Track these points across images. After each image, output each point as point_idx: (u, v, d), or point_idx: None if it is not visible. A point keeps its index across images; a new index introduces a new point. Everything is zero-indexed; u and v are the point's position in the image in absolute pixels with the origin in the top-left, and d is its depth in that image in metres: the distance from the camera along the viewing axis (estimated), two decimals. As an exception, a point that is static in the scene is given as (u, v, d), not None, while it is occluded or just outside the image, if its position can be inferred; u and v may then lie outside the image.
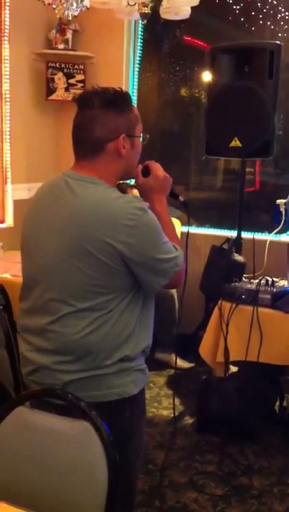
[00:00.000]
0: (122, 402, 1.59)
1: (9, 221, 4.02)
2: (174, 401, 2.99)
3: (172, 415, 3.18)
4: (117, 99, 1.64)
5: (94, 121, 1.61)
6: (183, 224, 3.88)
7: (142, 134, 1.72)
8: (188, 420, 3.24)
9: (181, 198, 1.90)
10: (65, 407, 1.39)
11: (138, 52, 4.31)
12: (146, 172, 1.75)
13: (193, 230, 4.21)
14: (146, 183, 1.74)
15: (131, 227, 1.53)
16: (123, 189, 1.83)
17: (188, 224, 2.01)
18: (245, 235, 3.52)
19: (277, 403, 3.25)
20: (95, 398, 1.53)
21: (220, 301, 2.86)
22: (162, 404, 3.40)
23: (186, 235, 1.82)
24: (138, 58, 4.33)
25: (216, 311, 2.87)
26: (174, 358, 3.71)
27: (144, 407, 1.74)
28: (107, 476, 1.21)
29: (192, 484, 2.64)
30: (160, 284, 1.63)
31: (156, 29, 4.38)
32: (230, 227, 3.93)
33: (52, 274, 1.58)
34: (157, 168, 1.76)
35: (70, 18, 4.12)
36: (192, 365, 3.83)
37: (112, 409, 1.56)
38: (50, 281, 1.59)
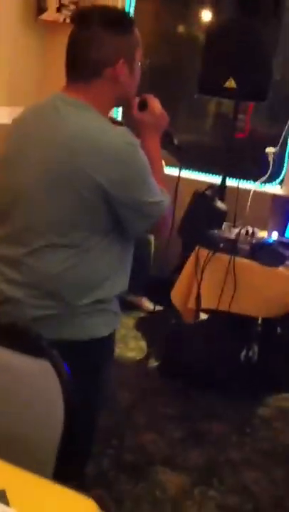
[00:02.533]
0: (91, 343, 1.54)
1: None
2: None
3: (137, 357, 3.17)
4: (119, 18, 1.51)
5: (92, 41, 1.46)
6: (167, 165, 3.75)
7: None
8: (154, 363, 3.24)
9: (176, 141, 1.79)
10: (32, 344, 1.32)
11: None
12: (143, 106, 1.64)
13: (176, 172, 4.09)
14: (142, 117, 1.63)
15: (119, 163, 1.42)
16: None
17: (180, 169, 1.91)
18: (229, 182, 3.42)
19: (244, 353, 3.26)
20: (63, 336, 1.48)
21: (197, 248, 2.80)
22: (129, 345, 3.38)
23: (176, 183, 1.72)
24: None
25: (192, 257, 2.81)
26: (143, 301, 3.71)
27: (113, 349, 1.71)
28: (63, 415, 1.18)
29: (151, 426, 2.65)
30: (143, 228, 1.56)
31: None
32: (216, 173, 3.82)
33: (30, 201, 1.48)
34: (155, 103, 1.64)
35: None
36: (158, 308, 3.80)
37: (79, 349, 1.51)
38: (27, 209, 1.48)
